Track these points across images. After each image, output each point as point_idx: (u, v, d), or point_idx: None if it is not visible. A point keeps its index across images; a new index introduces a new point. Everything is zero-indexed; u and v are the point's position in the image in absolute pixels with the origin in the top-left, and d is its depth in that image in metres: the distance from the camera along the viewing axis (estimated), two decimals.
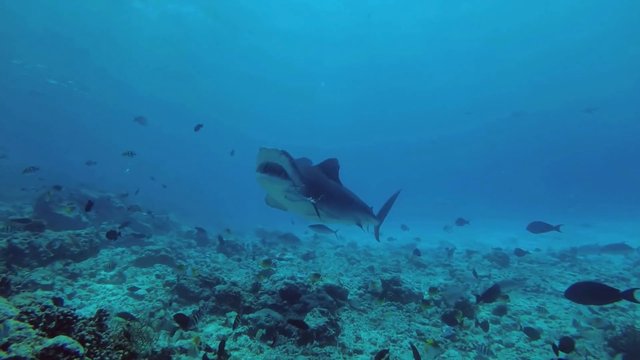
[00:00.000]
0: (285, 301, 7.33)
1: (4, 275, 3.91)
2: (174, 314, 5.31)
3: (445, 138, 53.77)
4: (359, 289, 9.13)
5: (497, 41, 33.82)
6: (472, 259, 14.03)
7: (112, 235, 7.64)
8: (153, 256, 9.61)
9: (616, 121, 44.86)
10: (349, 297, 8.35)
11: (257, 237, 18.04)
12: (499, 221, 31.90)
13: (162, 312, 6.13)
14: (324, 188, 6.32)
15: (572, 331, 6.58)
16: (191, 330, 4.75)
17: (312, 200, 5.47)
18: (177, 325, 5.58)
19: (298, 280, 8.79)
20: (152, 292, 7.31)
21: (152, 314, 5.98)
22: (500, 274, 11.30)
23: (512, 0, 28.78)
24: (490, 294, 5.97)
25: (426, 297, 8.57)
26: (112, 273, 8.24)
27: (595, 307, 7.44)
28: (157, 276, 8.39)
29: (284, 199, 5.75)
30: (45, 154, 48.07)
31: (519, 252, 11.15)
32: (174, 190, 14.81)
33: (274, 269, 10.28)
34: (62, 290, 6.79)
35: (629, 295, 4.19)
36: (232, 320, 6.11)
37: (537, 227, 9.24)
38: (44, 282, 6.54)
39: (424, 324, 7.16)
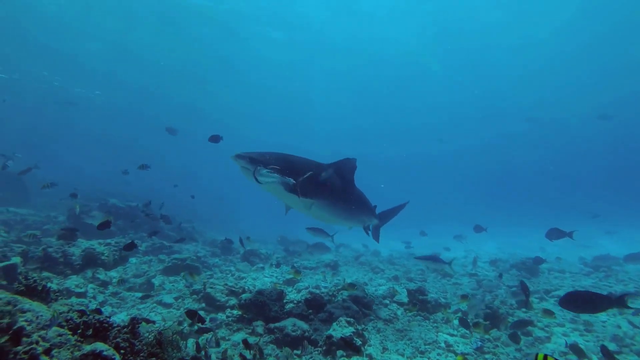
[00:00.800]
0: (310, 310, 7.31)
1: (43, 283, 4.06)
2: (191, 314, 5.43)
3: (462, 147, 53.39)
4: (384, 298, 9.01)
5: (511, 49, 33.10)
6: (498, 268, 13.68)
7: (129, 247, 7.84)
8: (179, 265, 9.76)
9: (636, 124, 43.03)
10: (374, 306, 8.24)
11: (280, 245, 18.10)
12: (523, 229, 31.06)
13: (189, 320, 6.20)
14: (324, 184, 6.15)
15: (612, 346, 6.29)
16: None
17: (290, 181, 5.46)
18: (202, 334, 5.66)
19: (322, 289, 8.77)
20: (180, 300, 7.41)
21: (180, 323, 6.05)
22: (529, 284, 10.95)
23: (520, 9, 28.16)
24: (527, 293, 5.92)
25: (453, 307, 8.40)
26: (140, 281, 8.41)
27: (636, 321, 7.10)
28: (186, 286, 8.50)
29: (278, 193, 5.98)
30: (76, 163, 49.98)
31: (538, 261, 10.86)
32: (195, 198, 15.15)
33: (298, 278, 10.27)
34: (94, 297, 6.98)
35: (620, 301, 4.28)
36: (259, 330, 6.13)
37: (553, 234, 9.13)
38: (78, 290, 6.75)
39: (452, 334, 6.99)
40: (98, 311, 4.67)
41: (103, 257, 8.66)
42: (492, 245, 22.68)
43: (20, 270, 6.64)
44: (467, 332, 6.89)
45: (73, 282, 7.06)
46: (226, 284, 7.36)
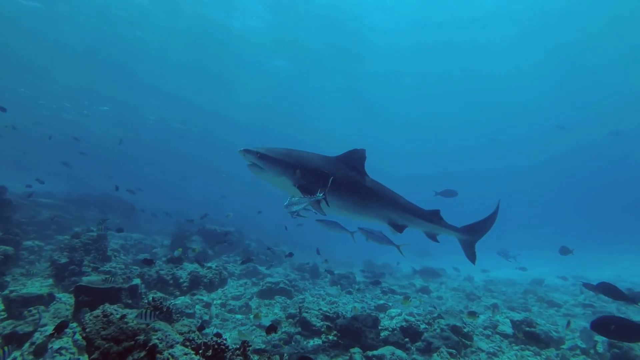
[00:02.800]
0: (407, 339, 7.07)
1: (167, 304, 4.49)
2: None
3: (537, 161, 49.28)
4: (484, 328, 8.38)
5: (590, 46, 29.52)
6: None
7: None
8: (273, 288, 10.13)
9: None
10: (474, 337, 7.70)
11: (366, 269, 17.92)
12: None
13: (288, 347, 6.36)
14: (321, 173, 5.78)
15: None
16: None
17: (319, 197, 5.04)
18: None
19: (417, 316, 8.44)
20: (276, 324, 7.64)
21: (280, 346, 6.23)
22: None
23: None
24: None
25: (568, 342, 7.50)
26: (239, 303, 8.88)
27: None
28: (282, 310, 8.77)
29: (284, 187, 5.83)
30: (182, 191, 55.38)
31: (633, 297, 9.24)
32: (278, 224, 15.75)
33: (390, 304, 10.02)
34: (201, 318, 7.50)
35: None
36: (357, 357, 6.05)
37: None
38: (188, 311, 7.32)
39: None
40: (202, 327, 5.00)
41: (205, 280, 9.34)
42: (548, 267, 19.86)
43: (140, 291, 7.44)
44: None
45: (183, 303, 7.68)
46: (320, 309, 7.44)
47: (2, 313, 6.12)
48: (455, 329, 7.52)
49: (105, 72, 28.73)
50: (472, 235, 7.41)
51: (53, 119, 33.16)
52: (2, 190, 10.59)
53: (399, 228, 6.72)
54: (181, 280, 9.05)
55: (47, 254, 11.15)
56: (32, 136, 31.15)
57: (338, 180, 5.89)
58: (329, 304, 9.77)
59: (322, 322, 7.10)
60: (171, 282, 9.01)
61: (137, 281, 7.67)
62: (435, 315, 8.27)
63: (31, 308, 6.28)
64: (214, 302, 8.90)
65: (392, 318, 8.64)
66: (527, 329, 7.64)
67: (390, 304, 9.98)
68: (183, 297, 8.55)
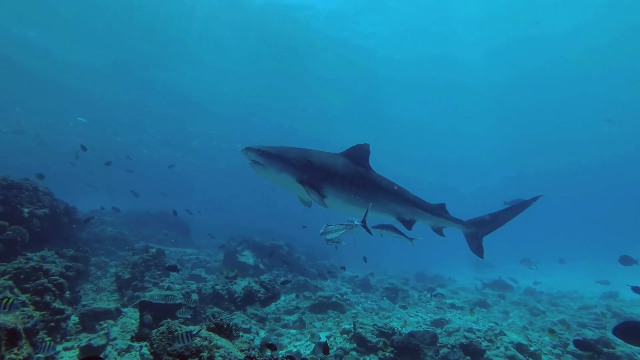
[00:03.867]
0: (468, 357, 6.73)
1: (228, 321, 4.58)
2: None
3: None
4: (553, 347, 7.80)
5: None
6: None
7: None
8: (325, 302, 10.08)
9: None
10: (543, 357, 7.19)
11: (418, 281, 17.42)
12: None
13: None
14: (323, 168, 5.80)
15: None
16: None
17: (353, 224, 4.88)
18: None
19: (477, 333, 8.04)
20: (331, 339, 7.57)
21: None
22: None
23: None
24: None
25: None
26: (293, 318, 8.91)
27: None
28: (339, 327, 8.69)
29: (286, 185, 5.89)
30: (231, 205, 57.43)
31: None
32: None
33: (447, 318, 9.63)
34: (257, 333, 7.60)
35: None
36: None
37: None
38: (244, 326, 7.45)
39: None
40: (273, 346, 5.02)
41: (259, 295, 9.47)
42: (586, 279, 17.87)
43: (196, 305, 7.69)
44: None
45: (239, 318, 7.83)
46: (375, 324, 7.28)
47: (78, 326, 6.54)
48: (520, 347, 7.08)
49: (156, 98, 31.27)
50: (477, 228, 7.32)
51: (108, 143, 36.03)
52: (73, 210, 11.42)
53: (408, 223, 6.79)
54: (236, 295, 9.24)
55: (112, 270, 11.87)
56: (95, 160, 34.12)
57: (341, 174, 5.98)
58: (383, 318, 9.59)
59: (377, 338, 6.93)
60: (226, 297, 9.22)
61: (195, 296, 7.93)
62: (497, 331, 7.84)
63: (102, 322, 6.68)
64: (268, 317, 8.99)
65: (449, 334, 8.30)
66: (605, 349, 7.02)
67: (447, 318, 9.58)
68: (238, 311, 8.72)
